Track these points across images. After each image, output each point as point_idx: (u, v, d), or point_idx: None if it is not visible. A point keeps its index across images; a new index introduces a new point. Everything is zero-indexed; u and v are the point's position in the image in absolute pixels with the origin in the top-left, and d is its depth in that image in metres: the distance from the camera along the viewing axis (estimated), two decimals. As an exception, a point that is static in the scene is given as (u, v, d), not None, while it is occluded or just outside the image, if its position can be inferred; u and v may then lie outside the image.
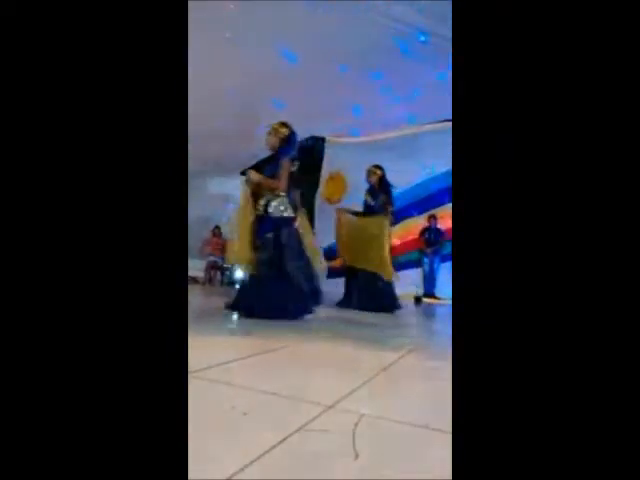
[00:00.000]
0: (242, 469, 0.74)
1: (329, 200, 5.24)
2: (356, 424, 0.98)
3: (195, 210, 4.13)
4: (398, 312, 4.02)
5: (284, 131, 3.14)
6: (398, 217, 5.40)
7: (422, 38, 4.54)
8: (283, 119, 3.24)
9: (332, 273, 4.41)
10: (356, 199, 4.61)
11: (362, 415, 1.04)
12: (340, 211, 4.34)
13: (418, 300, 5.50)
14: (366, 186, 4.33)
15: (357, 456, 0.83)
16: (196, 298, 4.55)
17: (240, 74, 5.03)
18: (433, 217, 6.14)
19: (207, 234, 7.36)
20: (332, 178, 5.47)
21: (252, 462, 0.77)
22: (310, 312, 3.03)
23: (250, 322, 2.69)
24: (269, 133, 3.16)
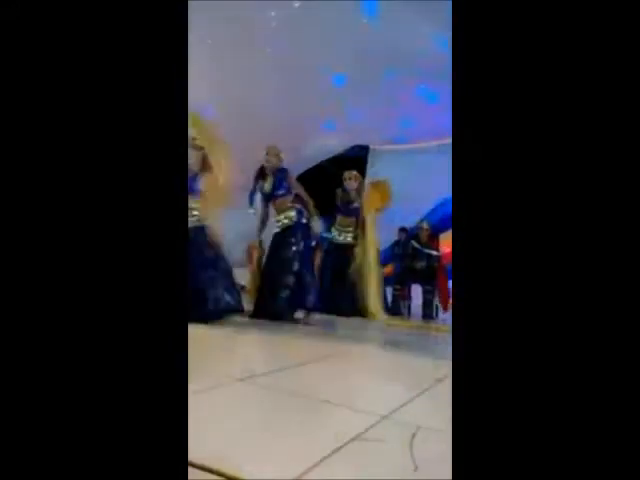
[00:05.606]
0: (299, 476, 0.73)
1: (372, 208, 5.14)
2: (414, 435, 0.94)
3: (240, 224, 4.16)
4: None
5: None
6: (443, 226, 5.27)
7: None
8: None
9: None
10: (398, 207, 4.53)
11: (419, 427, 1.00)
12: None
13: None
14: (411, 193, 4.27)
15: (416, 468, 0.80)
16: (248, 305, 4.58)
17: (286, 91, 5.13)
18: None
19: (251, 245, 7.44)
20: (374, 186, 5.37)
21: (309, 469, 0.75)
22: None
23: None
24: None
